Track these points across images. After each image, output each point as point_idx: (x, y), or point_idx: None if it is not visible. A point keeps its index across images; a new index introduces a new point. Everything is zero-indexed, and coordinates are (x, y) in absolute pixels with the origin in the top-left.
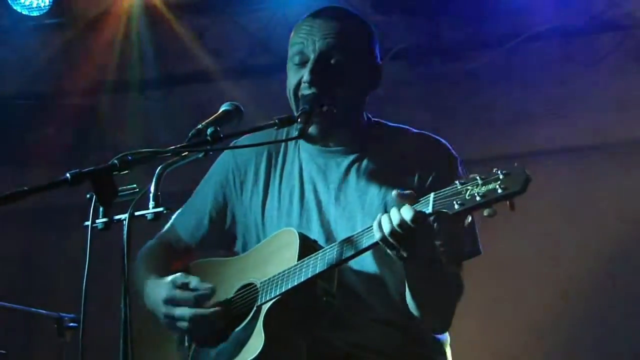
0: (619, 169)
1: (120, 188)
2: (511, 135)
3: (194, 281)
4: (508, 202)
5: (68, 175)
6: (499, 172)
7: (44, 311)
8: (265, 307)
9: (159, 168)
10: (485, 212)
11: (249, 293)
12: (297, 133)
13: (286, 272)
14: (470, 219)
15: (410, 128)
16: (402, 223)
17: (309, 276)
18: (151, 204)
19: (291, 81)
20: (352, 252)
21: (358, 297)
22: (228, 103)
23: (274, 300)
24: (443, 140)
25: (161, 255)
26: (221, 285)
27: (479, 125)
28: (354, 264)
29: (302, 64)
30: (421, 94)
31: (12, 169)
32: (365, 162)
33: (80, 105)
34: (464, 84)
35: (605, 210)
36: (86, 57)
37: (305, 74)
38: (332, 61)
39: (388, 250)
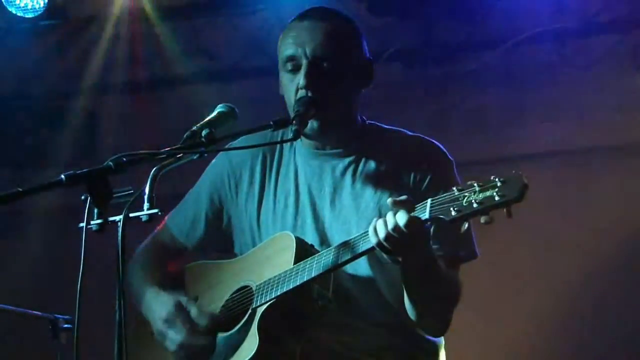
0: (615, 171)
1: (115, 189)
2: (506, 137)
3: (193, 310)
4: (505, 210)
5: (63, 176)
6: (496, 179)
7: (38, 312)
8: (260, 310)
9: (154, 170)
10: (482, 220)
11: (244, 296)
12: (292, 135)
13: (282, 275)
14: (467, 225)
15: (405, 130)
16: (397, 228)
17: (305, 280)
18: (146, 205)
19: (289, 88)
20: (348, 257)
21: (352, 300)
22: (223, 105)
23: (269, 303)
24: (437, 143)
25: (157, 257)
26: (217, 287)
27: (474, 127)
28: (348, 267)
29: (295, 70)
30: (416, 96)
31: (7, 171)
32: (360, 165)
33: (75, 107)
34: (459, 86)
35: (601, 212)
36: (80, 58)
37: (301, 80)
38: (325, 64)
39: (384, 255)
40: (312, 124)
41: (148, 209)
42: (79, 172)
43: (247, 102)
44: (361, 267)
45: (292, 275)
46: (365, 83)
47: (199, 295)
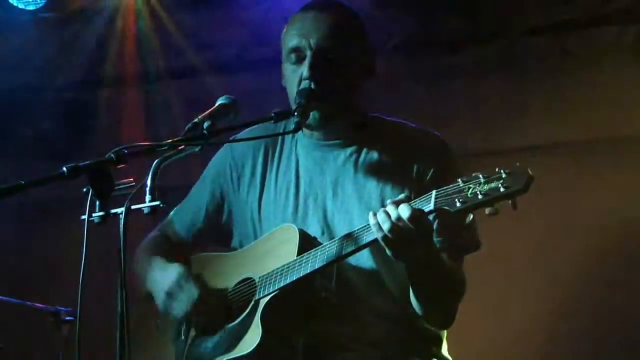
0: (617, 164)
1: (116, 182)
2: (508, 130)
3: (194, 281)
4: (510, 201)
5: (65, 169)
6: (501, 171)
7: (41, 305)
8: (263, 302)
9: (156, 162)
10: (487, 211)
11: (247, 287)
12: (294, 126)
13: (285, 267)
14: (471, 216)
15: (408, 122)
16: (401, 220)
17: (308, 271)
18: (148, 197)
19: (292, 79)
20: (352, 248)
21: (356, 292)
22: (224, 97)
23: (272, 295)
24: (439, 135)
25: (163, 247)
26: (220, 279)
27: (476, 120)
28: (352, 258)
29: (299, 61)
30: (417, 88)
31: (9, 163)
32: (362, 155)
33: (77, 99)
34: (460, 78)
35: (602, 205)
36: (82, 50)
37: (305, 71)
38: (329, 55)
39: (387, 251)
40: (313, 115)
41: (150, 201)
42: (80, 164)
43: (249, 94)
44: (364, 259)
45: (295, 267)
46: (368, 74)
47: None
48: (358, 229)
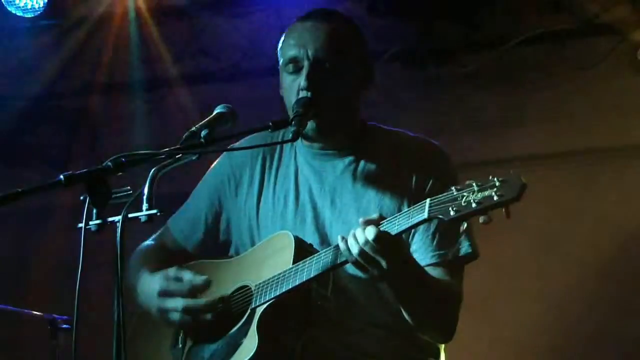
0: (614, 172)
1: (113, 190)
2: (505, 138)
3: (187, 274)
4: (504, 209)
5: (62, 177)
6: (495, 179)
7: (37, 313)
8: (259, 310)
9: (153, 170)
10: (481, 219)
11: (243, 295)
12: (291, 136)
13: (281, 275)
14: (465, 225)
15: (407, 132)
16: (367, 242)
17: (304, 280)
18: (145, 206)
19: (290, 90)
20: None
21: (353, 301)
22: (222, 105)
23: (268, 303)
24: (438, 144)
25: (156, 255)
26: (216, 286)
27: (473, 128)
28: (349, 267)
29: (297, 71)
30: (415, 97)
31: (6, 170)
32: (361, 165)
33: (74, 107)
34: (458, 87)
35: (601, 213)
36: (80, 58)
37: (302, 81)
38: (326, 65)
39: (363, 274)
40: (311, 125)
41: (147, 210)
42: (78, 172)
43: (246, 102)
44: None
45: (291, 275)
46: (367, 84)
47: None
48: None
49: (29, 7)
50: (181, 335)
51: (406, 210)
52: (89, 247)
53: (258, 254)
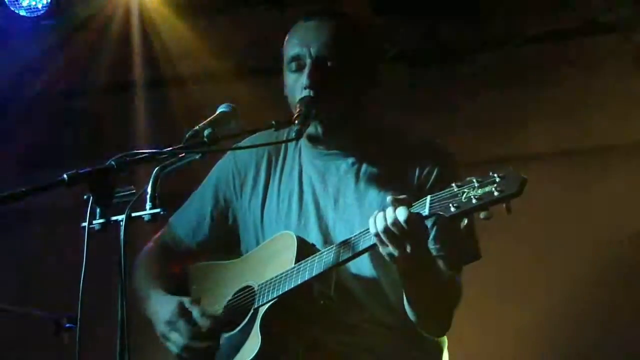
0: (617, 171)
1: (117, 189)
2: (508, 137)
3: (195, 312)
4: (505, 205)
5: (65, 176)
6: (495, 175)
7: (41, 312)
8: (262, 310)
9: (156, 169)
10: (482, 215)
11: (246, 296)
12: (294, 135)
13: (283, 274)
14: (466, 221)
15: (410, 131)
16: (396, 222)
17: (306, 279)
18: (148, 205)
19: (293, 88)
20: (349, 255)
21: (355, 300)
22: (225, 105)
23: (271, 303)
24: (441, 143)
25: (161, 259)
26: (219, 288)
27: (477, 128)
28: (351, 266)
29: (299, 69)
30: (419, 96)
31: (9, 170)
32: (364, 165)
33: (78, 106)
34: (462, 86)
35: (603, 212)
36: (83, 58)
37: (304, 79)
38: (329, 64)
39: (381, 250)
40: (316, 128)
41: (150, 209)
42: (81, 171)
43: (249, 101)
44: (365, 267)
45: (293, 275)
46: (372, 84)
47: (201, 295)
48: (355, 235)
49: (32, 7)
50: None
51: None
52: (93, 246)
53: (261, 254)
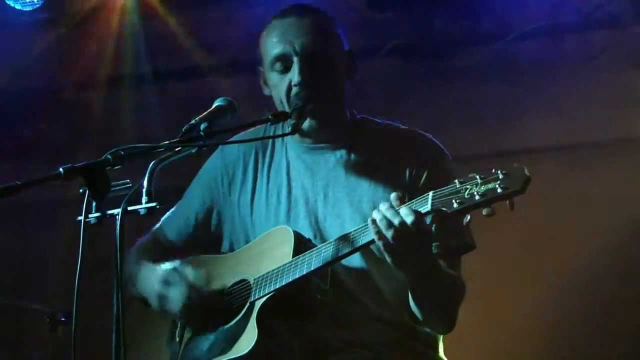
0: (613, 166)
1: (113, 183)
2: (505, 132)
3: (188, 268)
4: (508, 202)
5: (61, 169)
6: (498, 171)
7: (36, 306)
8: (258, 303)
9: (152, 163)
10: (484, 212)
11: (242, 289)
12: (290, 129)
13: (280, 268)
14: (468, 217)
15: (398, 124)
16: (403, 224)
17: (304, 273)
18: (144, 199)
19: (280, 87)
20: (347, 250)
21: (350, 294)
22: (221, 98)
23: (267, 296)
24: (432, 137)
25: (154, 250)
26: (215, 281)
27: (473, 122)
28: (346, 260)
29: (286, 68)
30: (414, 91)
31: (5, 164)
32: (353, 158)
33: (74, 100)
34: (457, 81)
35: (600, 207)
36: (80, 52)
37: (295, 77)
38: (316, 59)
39: (387, 256)
40: (310, 123)
41: (146, 203)
42: (77, 165)
43: (245, 96)
44: (355, 260)
45: (290, 269)
46: (351, 74)
47: None
48: (353, 231)
49: (27, 0)
50: (178, 329)
51: (409, 202)
52: (89, 240)
53: (257, 248)
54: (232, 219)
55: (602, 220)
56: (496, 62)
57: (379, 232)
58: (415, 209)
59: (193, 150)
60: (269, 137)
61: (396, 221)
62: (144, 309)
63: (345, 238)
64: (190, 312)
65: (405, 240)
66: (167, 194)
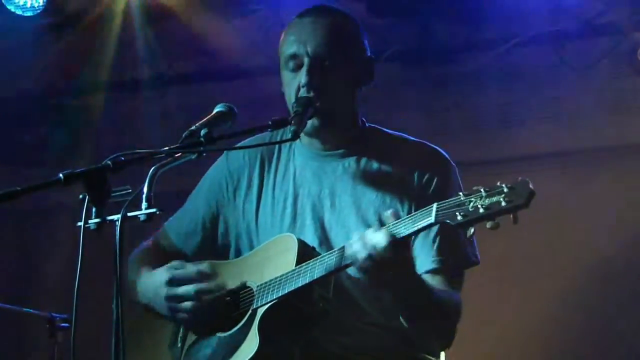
0: (613, 172)
1: (113, 188)
2: (504, 138)
3: (190, 265)
4: (512, 216)
5: (61, 175)
6: (503, 185)
7: (36, 311)
8: (260, 311)
9: (152, 169)
10: (488, 225)
11: (245, 296)
12: (290, 135)
13: (283, 276)
14: (472, 230)
15: (408, 136)
16: (375, 250)
17: (307, 281)
18: (144, 204)
19: (290, 87)
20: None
21: (352, 301)
22: (222, 104)
23: (270, 304)
24: (441, 149)
25: (154, 257)
26: None
27: (472, 128)
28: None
29: (297, 68)
30: (414, 96)
31: (6, 169)
32: (361, 166)
33: (75, 105)
34: (457, 87)
35: (600, 212)
36: (81, 57)
37: (303, 78)
38: (327, 62)
39: (363, 277)
40: (312, 122)
41: (146, 209)
42: (77, 170)
43: (245, 102)
44: None
45: (293, 277)
46: (366, 81)
47: None
48: None
49: (28, 5)
50: (180, 334)
51: (412, 214)
52: (88, 246)
53: (261, 256)
54: (237, 225)
55: (601, 226)
56: (496, 68)
57: (353, 254)
58: (418, 220)
59: (193, 156)
60: (272, 143)
61: (369, 244)
62: (146, 315)
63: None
64: (201, 311)
65: (377, 263)
66: (167, 200)
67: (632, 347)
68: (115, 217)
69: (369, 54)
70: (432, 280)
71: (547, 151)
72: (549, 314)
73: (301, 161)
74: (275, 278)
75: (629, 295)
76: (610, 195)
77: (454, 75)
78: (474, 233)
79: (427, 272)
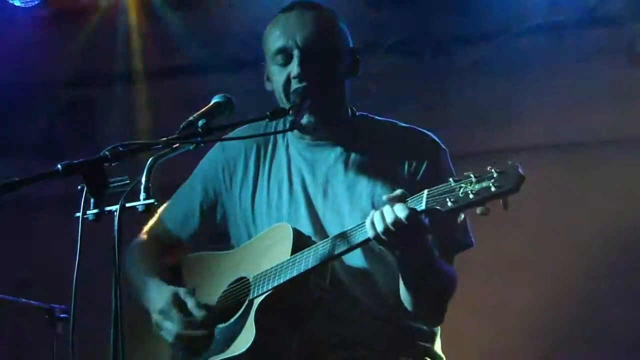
0: (611, 163)
1: (111, 179)
2: (503, 129)
3: (190, 302)
4: (501, 201)
5: (59, 166)
6: (492, 170)
7: (35, 302)
8: (257, 301)
9: (150, 160)
10: (478, 211)
11: (241, 287)
12: (288, 126)
13: (279, 266)
14: (463, 216)
15: (398, 122)
16: (396, 221)
17: (302, 271)
18: (142, 195)
19: (278, 80)
20: (345, 248)
21: (348, 292)
22: (220, 95)
23: (266, 295)
24: (431, 133)
25: (153, 250)
26: (214, 278)
27: (471, 120)
28: (344, 259)
29: (286, 61)
30: (413, 88)
31: (6, 160)
32: (353, 154)
33: (72, 96)
34: (456, 78)
35: (598, 204)
36: (77, 48)
37: (294, 69)
38: (317, 52)
39: (381, 247)
40: (309, 119)
41: (144, 199)
42: (75, 161)
43: (245, 92)
44: (356, 258)
45: (289, 266)
46: (353, 71)
47: (196, 286)
48: (351, 228)
49: None
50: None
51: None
52: (87, 237)
53: (257, 246)
54: (234, 213)
55: (601, 217)
56: (495, 59)
57: (371, 223)
58: (411, 207)
59: (191, 147)
60: (268, 134)
61: (389, 217)
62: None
63: (343, 235)
64: (183, 347)
65: (396, 234)
66: (165, 191)
67: (631, 340)
68: (113, 208)
69: (354, 46)
70: None
71: (547, 142)
72: (551, 307)
73: (295, 151)
74: (271, 268)
75: (632, 290)
76: (608, 186)
77: (453, 67)
78: (465, 218)
79: None
